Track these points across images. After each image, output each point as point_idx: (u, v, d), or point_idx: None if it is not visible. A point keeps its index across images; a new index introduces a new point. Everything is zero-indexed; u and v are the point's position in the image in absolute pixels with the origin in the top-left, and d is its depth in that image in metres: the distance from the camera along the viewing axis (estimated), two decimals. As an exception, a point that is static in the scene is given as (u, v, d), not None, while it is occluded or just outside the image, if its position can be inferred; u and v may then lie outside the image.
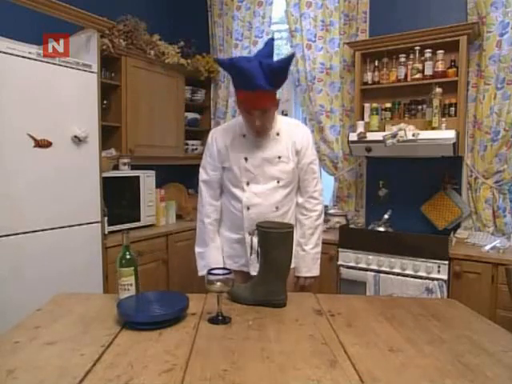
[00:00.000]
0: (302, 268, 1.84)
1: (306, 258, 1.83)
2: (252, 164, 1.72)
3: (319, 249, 1.87)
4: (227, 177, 1.79)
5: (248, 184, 1.74)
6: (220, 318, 1.28)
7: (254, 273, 1.75)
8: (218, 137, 1.80)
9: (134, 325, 1.22)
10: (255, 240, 1.47)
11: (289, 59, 1.54)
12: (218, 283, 1.27)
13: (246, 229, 1.76)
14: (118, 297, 1.39)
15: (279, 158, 1.72)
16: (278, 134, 1.75)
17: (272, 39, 1.66)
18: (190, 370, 0.97)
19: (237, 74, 1.56)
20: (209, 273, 1.30)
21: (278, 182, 1.74)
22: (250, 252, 1.75)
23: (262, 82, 1.50)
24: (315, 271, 1.85)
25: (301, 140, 1.77)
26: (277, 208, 1.75)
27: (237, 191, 1.76)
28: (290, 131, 1.78)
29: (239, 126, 1.78)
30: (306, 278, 1.85)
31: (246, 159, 1.72)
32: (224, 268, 1.40)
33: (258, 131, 1.68)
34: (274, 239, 1.42)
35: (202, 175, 1.83)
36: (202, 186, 1.83)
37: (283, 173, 1.73)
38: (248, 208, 1.74)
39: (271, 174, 1.73)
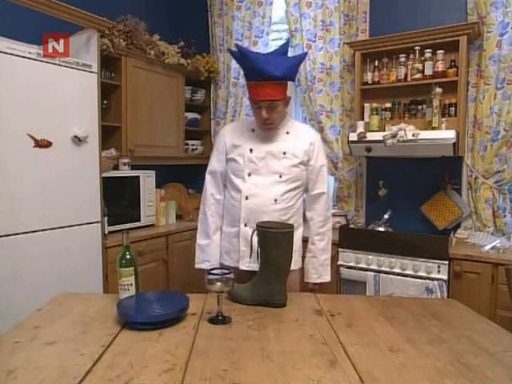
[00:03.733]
0: (312, 274, 1.83)
1: (315, 264, 1.83)
2: (256, 156, 1.75)
3: (328, 255, 1.85)
4: (231, 168, 1.81)
5: (250, 175, 1.75)
6: (220, 317, 1.28)
7: (243, 267, 1.75)
8: (227, 131, 1.88)
9: (133, 325, 1.22)
10: (255, 240, 1.47)
11: (302, 56, 1.80)
12: (218, 283, 1.27)
13: (242, 219, 1.75)
14: (118, 297, 1.40)
15: (284, 153, 1.74)
16: (287, 133, 1.79)
17: (288, 40, 1.85)
18: (189, 370, 0.97)
19: (248, 65, 1.65)
20: (209, 273, 1.30)
21: (281, 176, 1.74)
22: (243, 244, 1.75)
23: (270, 72, 1.59)
24: (325, 277, 1.84)
25: (312, 141, 1.79)
26: (275, 201, 1.73)
27: (238, 181, 1.77)
28: (301, 133, 1.82)
29: (250, 122, 1.85)
30: (315, 284, 1.84)
31: (251, 150, 1.75)
32: (224, 268, 1.40)
33: (265, 124, 1.72)
34: (274, 239, 1.41)
35: (209, 166, 1.88)
36: (207, 176, 1.87)
37: (286, 168, 1.74)
38: (246, 198, 1.74)
39: (274, 168, 1.74)
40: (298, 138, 1.78)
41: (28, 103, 2.09)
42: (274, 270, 1.44)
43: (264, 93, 1.62)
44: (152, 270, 2.83)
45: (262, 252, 1.45)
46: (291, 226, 1.47)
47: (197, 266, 1.86)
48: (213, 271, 1.31)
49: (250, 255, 1.61)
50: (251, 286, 1.47)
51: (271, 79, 1.60)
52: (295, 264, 1.79)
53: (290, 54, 1.86)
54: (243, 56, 1.66)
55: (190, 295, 1.38)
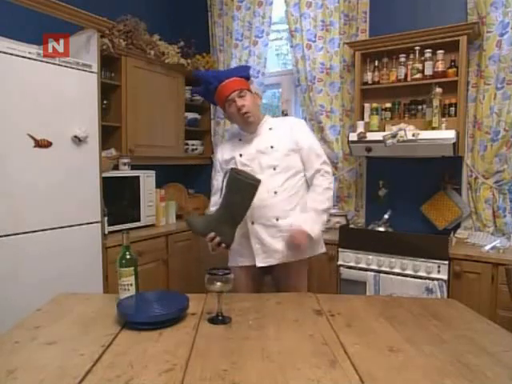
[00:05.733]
0: (301, 222, 1.77)
1: (307, 216, 1.78)
2: (247, 158, 1.84)
3: (324, 206, 1.80)
4: None
5: None
6: (220, 317, 1.29)
7: (259, 264, 1.80)
8: (218, 150, 2.03)
9: (134, 325, 1.22)
10: (225, 181, 1.66)
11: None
12: (218, 283, 1.28)
13: (248, 218, 1.78)
14: (118, 297, 1.40)
15: (272, 147, 1.82)
16: (270, 129, 1.88)
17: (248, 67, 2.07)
18: (189, 370, 0.97)
19: (215, 74, 1.94)
20: (209, 273, 1.30)
21: (275, 168, 1.80)
22: (255, 242, 1.81)
23: (231, 72, 1.98)
24: (309, 226, 1.74)
25: (292, 126, 1.89)
26: (275, 193, 1.78)
27: None
28: (283, 122, 1.95)
29: (237, 133, 1.97)
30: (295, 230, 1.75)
31: (240, 155, 1.86)
32: (224, 268, 1.40)
33: (245, 113, 1.81)
34: (239, 185, 1.58)
35: (213, 185, 1.98)
36: (212, 192, 1.96)
37: (278, 159, 1.81)
38: None
39: (266, 163, 1.81)
40: (281, 129, 1.87)
41: (28, 103, 2.09)
42: (230, 212, 1.64)
43: (232, 85, 1.82)
44: (152, 270, 2.83)
45: (225, 193, 1.65)
46: (259, 181, 1.63)
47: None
48: (213, 271, 1.31)
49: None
50: (207, 221, 1.68)
51: (233, 75, 1.85)
52: (305, 252, 1.83)
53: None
54: (210, 73, 2.01)
55: (190, 295, 1.38)
